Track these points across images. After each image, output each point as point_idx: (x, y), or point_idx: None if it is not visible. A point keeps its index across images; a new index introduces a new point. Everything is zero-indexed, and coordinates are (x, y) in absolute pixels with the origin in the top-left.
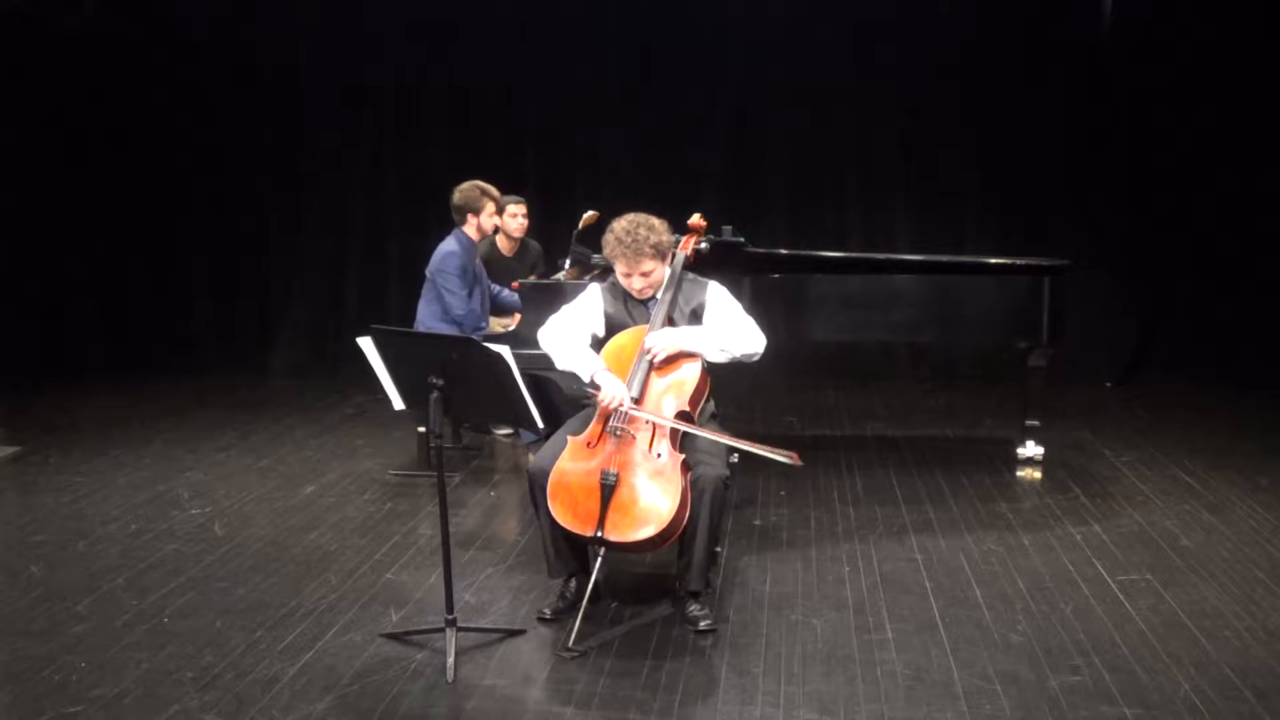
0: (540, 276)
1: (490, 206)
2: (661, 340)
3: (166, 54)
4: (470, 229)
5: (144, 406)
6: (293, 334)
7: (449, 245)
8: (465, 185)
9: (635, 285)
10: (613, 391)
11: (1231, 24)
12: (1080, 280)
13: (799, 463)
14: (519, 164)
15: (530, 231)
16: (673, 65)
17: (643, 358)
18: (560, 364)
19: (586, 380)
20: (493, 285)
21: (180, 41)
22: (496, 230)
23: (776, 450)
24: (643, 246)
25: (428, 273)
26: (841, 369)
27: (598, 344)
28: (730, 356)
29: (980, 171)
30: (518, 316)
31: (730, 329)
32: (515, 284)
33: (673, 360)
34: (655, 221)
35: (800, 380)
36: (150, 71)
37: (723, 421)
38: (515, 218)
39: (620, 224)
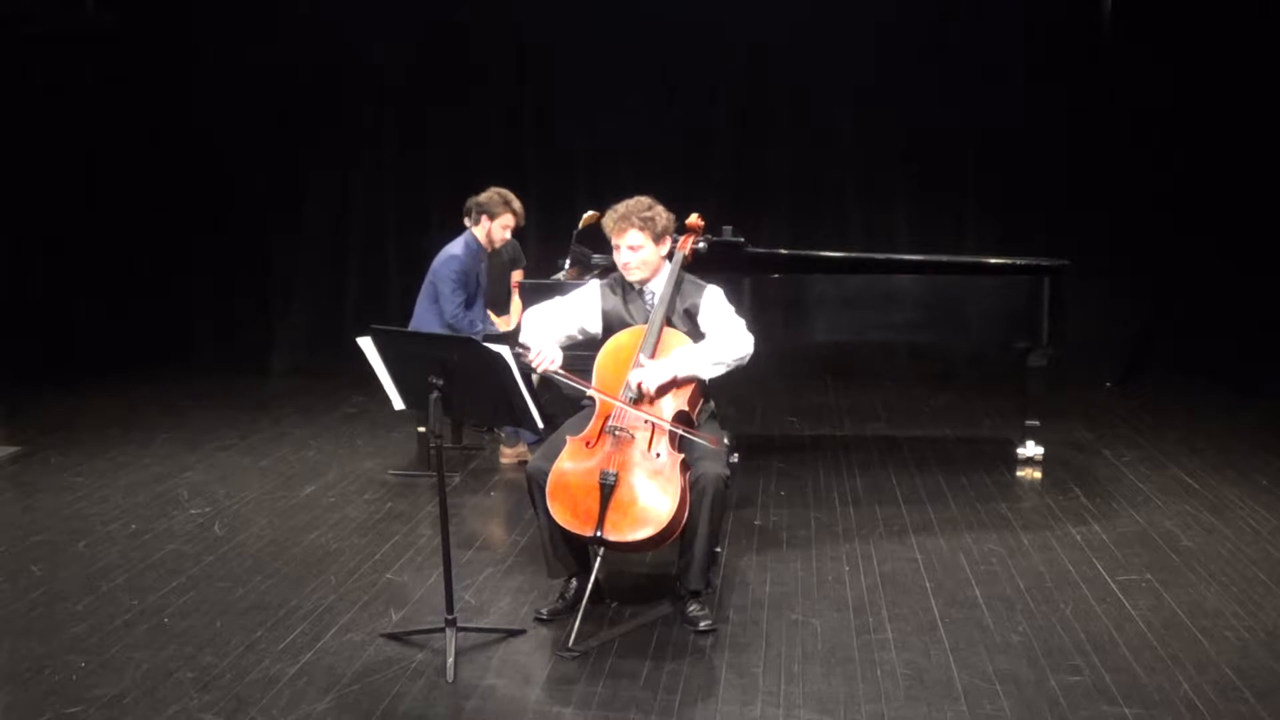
0: (525, 271)
1: (507, 219)
2: (651, 375)
3: (166, 54)
4: (480, 231)
5: (144, 406)
6: (293, 334)
7: (454, 249)
8: (494, 189)
9: (622, 260)
10: (539, 349)
11: (1231, 23)
12: (1080, 280)
13: (716, 446)
14: (519, 164)
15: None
16: (673, 65)
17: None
18: (524, 337)
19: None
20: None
21: (179, 41)
22: None
23: (705, 437)
24: (631, 215)
25: (430, 272)
26: (841, 369)
27: (597, 344)
28: (725, 369)
29: (980, 171)
30: (517, 318)
31: (720, 335)
32: (515, 284)
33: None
34: (656, 204)
35: (800, 380)
36: (150, 71)
37: (722, 421)
38: (506, 230)
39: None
